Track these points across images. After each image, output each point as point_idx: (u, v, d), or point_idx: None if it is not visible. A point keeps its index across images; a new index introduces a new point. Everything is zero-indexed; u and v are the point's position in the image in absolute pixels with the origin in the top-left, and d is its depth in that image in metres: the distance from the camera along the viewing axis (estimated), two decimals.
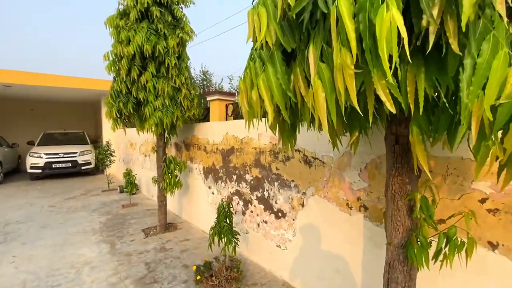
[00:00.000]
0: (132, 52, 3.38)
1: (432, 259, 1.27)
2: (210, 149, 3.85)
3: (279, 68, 0.81)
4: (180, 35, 3.65)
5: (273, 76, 0.81)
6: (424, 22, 0.68)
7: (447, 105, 0.80)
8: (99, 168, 7.32)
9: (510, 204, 1.40)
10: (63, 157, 8.13)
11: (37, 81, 7.52)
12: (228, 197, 3.52)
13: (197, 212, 4.27)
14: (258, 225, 3.05)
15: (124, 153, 7.99)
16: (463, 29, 0.62)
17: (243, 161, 3.22)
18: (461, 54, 0.66)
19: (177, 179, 4.07)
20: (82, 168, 8.49)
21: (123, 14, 3.65)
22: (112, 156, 7.03)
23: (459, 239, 1.22)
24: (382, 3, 0.60)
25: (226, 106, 3.75)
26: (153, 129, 3.77)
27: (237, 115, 3.85)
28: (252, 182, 3.10)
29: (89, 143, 9.46)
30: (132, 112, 3.78)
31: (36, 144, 8.65)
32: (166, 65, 3.58)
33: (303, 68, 0.83)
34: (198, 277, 2.57)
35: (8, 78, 7.14)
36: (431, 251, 1.27)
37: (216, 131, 3.67)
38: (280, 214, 2.74)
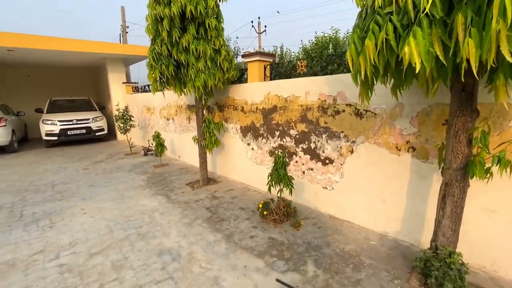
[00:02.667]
0: (176, 12, 3.44)
1: (485, 175, 1.75)
2: (248, 109, 4.15)
3: (427, 31, 1.13)
4: None
5: (421, 38, 1.14)
6: None
7: None
8: (124, 133, 7.44)
9: None
10: (77, 123, 8.18)
11: (41, 44, 7.21)
12: (270, 151, 3.94)
13: (235, 167, 4.72)
14: (304, 172, 3.53)
15: (140, 118, 8.12)
16: None
17: (287, 118, 3.58)
18: None
19: (215, 138, 4.43)
20: (96, 134, 8.62)
21: None
22: (132, 120, 7.18)
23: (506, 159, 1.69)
24: None
25: (265, 67, 3.97)
26: (195, 91, 3.97)
27: (276, 75, 4.08)
28: (297, 136, 3.50)
29: (97, 109, 9.42)
30: (173, 74, 3.94)
31: (45, 112, 8.56)
32: (206, 26, 3.68)
33: (439, 36, 1.16)
34: (265, 212, 3.09)
35: (12, 42, 6.82)
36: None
37: (256, 91, 3.94)
38: (327, 161, 3.21)
